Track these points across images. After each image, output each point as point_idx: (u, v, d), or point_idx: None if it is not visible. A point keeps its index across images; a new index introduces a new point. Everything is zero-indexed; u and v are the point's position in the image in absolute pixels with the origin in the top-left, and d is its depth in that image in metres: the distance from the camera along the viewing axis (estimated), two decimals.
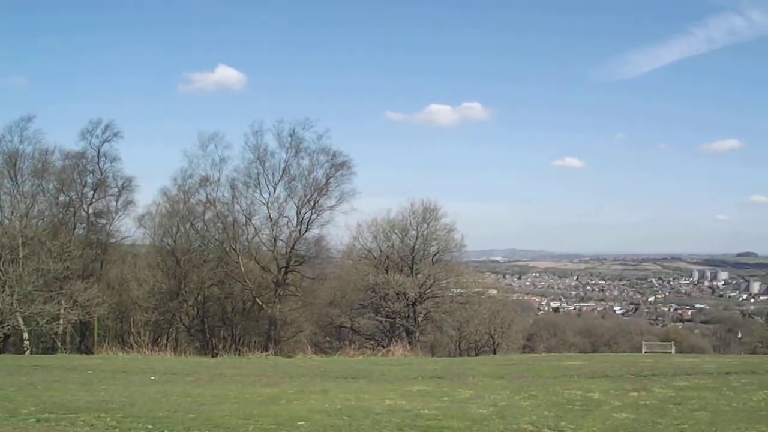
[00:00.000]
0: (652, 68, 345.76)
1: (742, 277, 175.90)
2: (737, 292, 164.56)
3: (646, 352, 41.71)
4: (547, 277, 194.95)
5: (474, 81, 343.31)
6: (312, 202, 45.85)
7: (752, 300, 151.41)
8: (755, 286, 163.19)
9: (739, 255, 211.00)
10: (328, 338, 44.82)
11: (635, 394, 13.16)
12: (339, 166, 46.31)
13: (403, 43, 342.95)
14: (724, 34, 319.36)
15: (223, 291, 46.38)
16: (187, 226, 47.82)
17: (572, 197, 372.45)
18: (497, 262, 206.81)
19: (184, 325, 46.00)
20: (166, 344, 33.99)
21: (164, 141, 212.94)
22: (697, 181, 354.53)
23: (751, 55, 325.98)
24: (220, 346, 39.16)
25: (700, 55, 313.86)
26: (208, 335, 45.41)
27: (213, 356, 33.32)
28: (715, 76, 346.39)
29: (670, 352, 42.84)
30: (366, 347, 35.91)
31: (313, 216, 46.01)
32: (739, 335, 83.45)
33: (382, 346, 36.55)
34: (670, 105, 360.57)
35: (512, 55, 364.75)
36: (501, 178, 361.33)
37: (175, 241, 47.33)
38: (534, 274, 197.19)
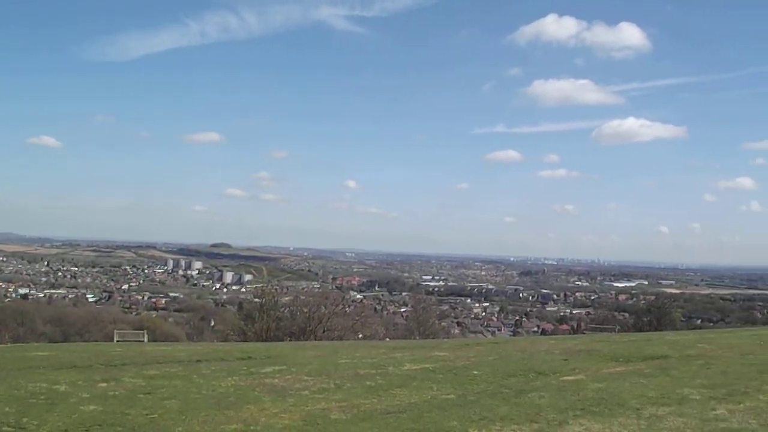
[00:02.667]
0: (143, 54, 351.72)
1: (216, 267, 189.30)
2: (211, 281, 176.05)
3: (118, 341, 40.61)
4: (15, 262, 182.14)
5: None
6: None
7: (225, 289, 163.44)
8: (228, 276, 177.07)
9: (213, 245, 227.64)
10: None
11: (104, 384, 12.74)
12: None
13: None
14: (218, 30, 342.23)
15: None
16: None
17: (47, 178, 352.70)
18: None
19: None
20: None
21: None
22: (177, 170, 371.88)
23: (239, 54, 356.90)
24: None
25: (192, 47, 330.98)
26: None
27: None
28: (203, 69, 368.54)
29: (143, 341, 42.47)
30: None
31: None
32: (212, 323, 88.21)
33: None
34: (157, 92, 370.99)
35: None
36: None
37: None
38: (1, 258, 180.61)
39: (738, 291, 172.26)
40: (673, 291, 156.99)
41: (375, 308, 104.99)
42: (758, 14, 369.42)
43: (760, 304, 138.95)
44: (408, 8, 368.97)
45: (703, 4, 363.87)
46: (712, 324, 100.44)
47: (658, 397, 10.55)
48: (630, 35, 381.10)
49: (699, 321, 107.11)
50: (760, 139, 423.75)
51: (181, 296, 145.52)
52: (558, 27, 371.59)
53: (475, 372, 13.89)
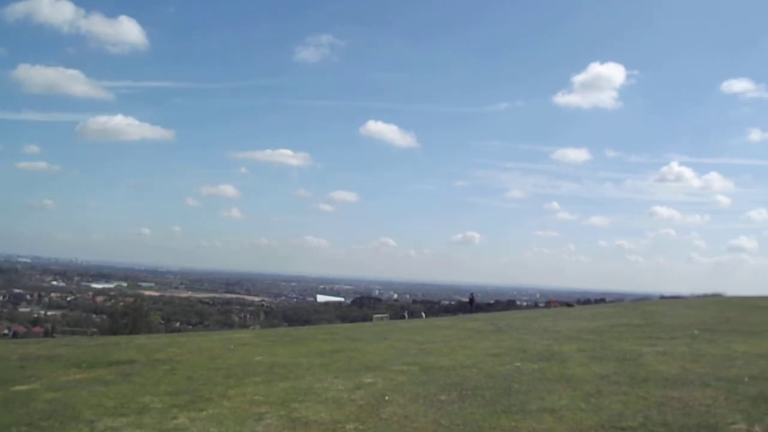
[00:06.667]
0: None
1: None
2: None
3: None
4: None
5: None
6: None
7: None
8: None
9: None
10: None
11: None
12: None
13: None
14: None
15: None
16: None
17: None
18: None
19: None
20: None
21: None
22: None
23: None
24: None
25: None
26: None
27: None
28: None
29: None
30: None
31: None
32: None
33: None
34: None
35: None
36: None
37: None
38: None
39: (216, 295, 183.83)
40: (153, 293, 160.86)
41: None
42: (282, 32, 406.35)
43: (238, 307, 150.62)
44: None
45: (207, 13, 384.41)
46: (191, 327, 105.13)
47: (117, 406, 9.97)
48: (129, 31, 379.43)
49: (178, 324, 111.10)
50: (244, 150, 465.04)
51: None
52: (53, 10, 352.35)
53: None
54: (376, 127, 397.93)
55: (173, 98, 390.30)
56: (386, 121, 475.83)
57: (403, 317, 58.16)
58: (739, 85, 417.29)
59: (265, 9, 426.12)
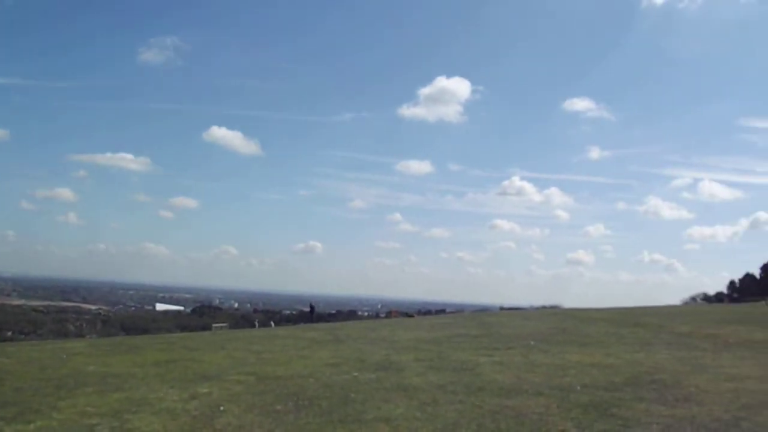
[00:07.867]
0: None
1: None
2: None
3: None
4: None
5: None
6: None
7: None
8: None
9: None
10: None
11: None
12: None
13: None
14: None
15: None
16: None
17: None
18: None
19: None
20: None
21: None
22: None
23: None
24: None
25: None
26: None
27: None
28: None
29: None
30: None
31: None
32: None
33: None
34: None
35: None
36: None
37: None
38: None
39: (51, 302, 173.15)
40: None
41: None
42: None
43: (74, 315, 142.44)
44: None
45: (48, 7, 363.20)
46: (24, 336, 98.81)
47: None
48: None
49: (10, 333, 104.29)
50: (83, 152, 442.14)
51: None
52: None
53: None
54: (219, 133, 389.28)
55: (9, 96, 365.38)
56: (230, 127, 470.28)
57: (253, 326, 57.60)
58: (580, 104, 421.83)
59: (110, 7, 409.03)
